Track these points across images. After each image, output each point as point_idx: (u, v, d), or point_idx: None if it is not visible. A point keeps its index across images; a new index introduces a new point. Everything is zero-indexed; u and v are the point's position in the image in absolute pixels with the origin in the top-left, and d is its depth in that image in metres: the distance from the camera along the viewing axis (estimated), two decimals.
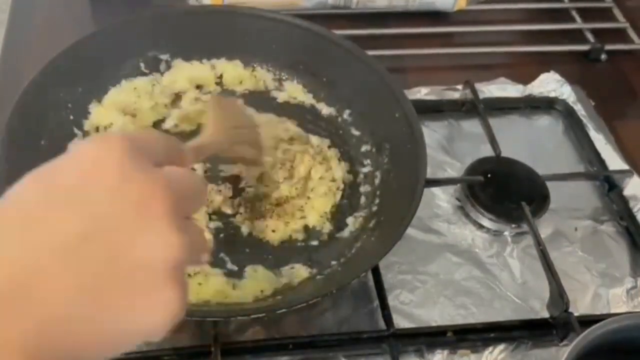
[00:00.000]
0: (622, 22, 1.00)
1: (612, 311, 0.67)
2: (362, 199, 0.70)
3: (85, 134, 0.71)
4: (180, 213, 0.37)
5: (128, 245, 0.35)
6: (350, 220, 0.68)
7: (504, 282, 0.69)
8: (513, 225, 0.72)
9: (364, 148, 0.74)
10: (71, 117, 0.71)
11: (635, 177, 0.77)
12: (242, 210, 0.67)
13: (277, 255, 0.65)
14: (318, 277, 0.63)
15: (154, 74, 0.77)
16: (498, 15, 1.00)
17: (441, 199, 0.75)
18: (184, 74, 0.77)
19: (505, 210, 0.72)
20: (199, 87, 0.78)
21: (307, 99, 0.78)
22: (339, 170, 0.71)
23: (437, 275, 0.68)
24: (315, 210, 0.67)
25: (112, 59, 0.74)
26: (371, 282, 0.65)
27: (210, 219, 0.66)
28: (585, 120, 0.83)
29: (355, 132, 0.75)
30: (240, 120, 0.66)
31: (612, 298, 0.68)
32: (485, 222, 0.72)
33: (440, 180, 0.75)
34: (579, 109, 0.84)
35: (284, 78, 0.79)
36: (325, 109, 0.77)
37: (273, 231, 0.66)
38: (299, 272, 0.64)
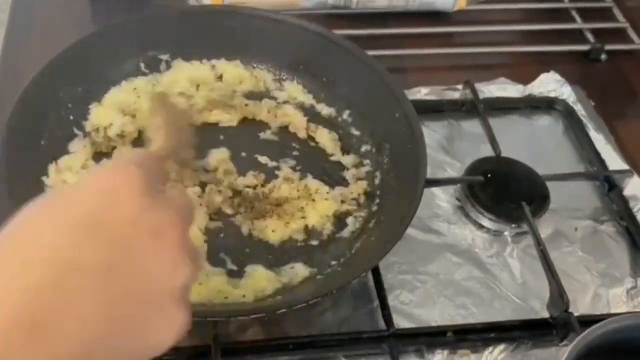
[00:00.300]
0: (622, 22, 1.00)
1: (612, 311, 0.67)
2: (362, 199, 0.70)
3: (86, 134, 0.71)
4: (188, 236, 0.40)
5: (146, 273, 0.37)
6: (350, 220, 0.68)
7: (504, 282, 0.69)
8: (513, 225, 0.72)
9: (364, 148, 0.74)
10: (71, 117, 0.71)
11: (635, 177, 0.77)
12: (242, 210, 0.67)
13: (277, 255, 0.65)
14: (318, 277, 0.63)
15: (154, 74, 0.77)
16: (498, 15, 1.00)
17: (441, 199, 0.75)
18: (184, 74, 0.77)
19: (505, 210, 0.72)
20: (198, 87, 0.77)
21: (307, 99, 0.78)
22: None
23: (437, 275, 0.68)
24: (317, 211, 0.67)
25: (112, 59, 0.74)
26: (371, 282, 0.65)
27: (210, 218, 0.66)
28: (585, 120, 0.83)
29: (355, 132, 0.75)
30: (181, 119, 0.61)
31: (612, 298, 0.68)
32: (485, 222, 0.72)
33: (440, 180, 0.75)
34: (579, 109, 0.84)
35: (284, 78, 0.79)
36: (325, 109, 0.77)
37: (273, 231, 0.66)
38: (299, 271, 0.63)
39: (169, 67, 0.77)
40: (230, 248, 0.65)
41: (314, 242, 0.66)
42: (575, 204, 0.76)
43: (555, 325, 0.64)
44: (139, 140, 0.71)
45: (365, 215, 0.68)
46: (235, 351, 0.60)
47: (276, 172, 0.71)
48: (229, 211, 0.67)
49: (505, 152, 0.76)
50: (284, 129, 0.75)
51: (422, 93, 0.84)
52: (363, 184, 0.70)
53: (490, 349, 0.63)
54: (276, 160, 0.72)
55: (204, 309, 0.59)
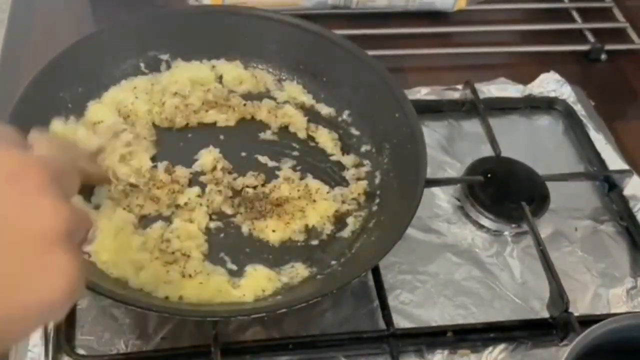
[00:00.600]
0: (622, 22, 1.00)
1: (612, 311, 0.67)
2: (362, 199, 0.70)
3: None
4: (58, 188, 0.38)
5: (10, 217, 0.36)
6: (350, 220, 0.68)
7: (504, 282, 0.69)
8: (513, 225, 0.72)
9: (364, 148, 0.74)
10: (71, 117, 0.71)
11: (635, 177, 0.77)
12: (242, 210, 0.67)
13: (277, 255, 0.65)
14: (318, 276, 0.63)
15: (154, 73, 0.77)
16: (498, 15, 1.01)
17: (441, 199, 0.75)
18: (184, 74, 0.77)
19: (505, 210, 0.72)
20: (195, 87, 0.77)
21: (307, 99, 0.78)
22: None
23: (437, 275, 0.69)
24: (317, 211, 0.67)
25: (112, 59, 0.74)
26: (371, 282, 0.65)
27: (210, 218, 0.66)
28: (585, 120, 0.83)
29: (355, 132, 0.75)
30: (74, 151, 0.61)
31: (612, 298, 0.68)
32: (485, 222, 0.72)
33: (440, 180, 0.75)
34: (579, 109, 0.84)
35: (283, 78, 0.79)
36: (325, 109, 0.77)
37: (273, 231, 0.66)
38: (299, 271, 0.63)
39: (169, 67, 0.77)
40: (230, 248, 0.65)
41: (314, 242, 0.66)
42: (575, 204, 0.76)
43: (555, 325, 0.64)
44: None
45: (365, 215, 0.68)
46: (235, 351, 0.60)
47: (276, 172, 0.71)
48: (229, 211, 0.67)
49: (505, 152, 0.76)
50: (284, 129, 0.75)
51: (422, 93, 0.84)
52: (363, 184, 0.70)
53: (490, 349, 0.63)
54: (276, 160, 0.72)
55: (204, 309, 0.59)
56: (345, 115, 0.76)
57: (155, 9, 0.91)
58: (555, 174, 0.76)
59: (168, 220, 0.65)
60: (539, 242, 0.68)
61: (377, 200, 0.69)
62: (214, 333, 0.59)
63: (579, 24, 1.00)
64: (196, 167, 0.70)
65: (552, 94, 0.86)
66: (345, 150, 0.74)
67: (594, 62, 0.95)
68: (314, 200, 0.68)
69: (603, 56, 0.95)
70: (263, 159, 0.72)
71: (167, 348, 0.60)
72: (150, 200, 0.66)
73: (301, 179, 0.70)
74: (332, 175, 0.72)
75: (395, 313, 0.63)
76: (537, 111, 0.86)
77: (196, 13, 0.83)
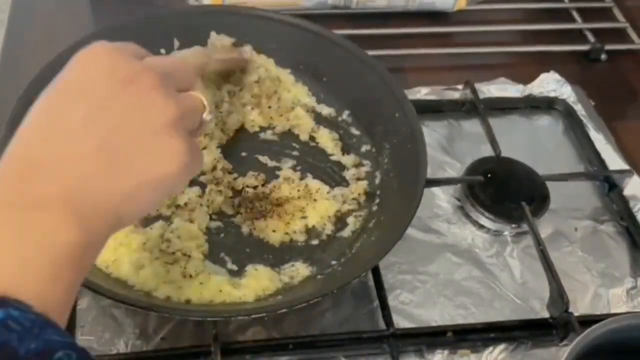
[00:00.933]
0: (622, 22, 1.00)
1: (612, 311, 0.67)
2: (363, 199, 0.70)
3: None
4: (168, 85, 0.45)
5: (127, 114, 0.42)
6: (350, 220, 0.68)
7: (504, 282, 0.69)
8: (513, 225, 0.72)
9: (364, 148, 0.74)
10: None
11: (635, 177, 0.77)
12: (242, 210, 0.67)
13: (277, 255, 0.65)
14: (319, 276, 0.63)
15: None
16: (498, 15, 1.00)
17: (441, 199, 0.75)
18: None
19: (505, 210, 0.72)
20: None
21: (310, 100, 0.77)
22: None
23: (437, 275, 0.69)
24: (317, 211, 0.67)
25: None
26: (371, 282, 0.65)
27: (210, 219, 0.66)
28: (585, 120, 0.83)
29: (355, 132, 0.75)
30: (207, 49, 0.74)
31: (612, 298, 0.68)
32: (485, 222, 0.72)
33: (440, 180, 0.75)
34: (579, 109, 0.84)
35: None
36: (325, 109, 0.77)
37: (274, 231, 0.66)
38: (300, 271, 0.63)
39: None
40: (230, 248, 0.65)
41: (314, 242, 0.66)
42: (575, 204, 0.76)
43: (555, 325, 0.64)
44: None
45: (365, 215, 0.68)
46: (235, 351, 0.60)
47: (276, 172, 0.71)
48: (229, 211, 0.67)
49: (505, 152, 0.76)
50: (285, 130, 0.75)
51: (422, 93, 0.84)
52: (363, 184, 0.70)
53: (490, 349, 0.63)
54: (276, 160, 0.72)
55: (204, 309, 0.59)
56: (345, 115, 0.76)
57: (155, 9, 0.91)
58: (555, 174, 0.76)
59: (168, 220, 0.65)
60: (539, 242, 0.68)
61: (377, 200, 0.69)
62: (214, 333, 0.59)
63: (579, 24, 1.00)
64: None
65: (552, 94, 0.86)
66: (345, 150, 0.74)
67: (594, 62, 0.95)
68: (315, 200, 0.68)
69: (603, 56, 0.95)
70: (263, 158, 0.72)
71: (167, 348, 0.60)
72: None
73: (301, 179, 0.70)
74: (332, 175, 0.72)
75: (395, 313, 0.63)
76: (537, 111, 0.86)
77: (196, 13, 0.83)
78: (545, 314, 0.66)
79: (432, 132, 0.80)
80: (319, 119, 0.76)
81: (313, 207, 0.68)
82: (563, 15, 1.02)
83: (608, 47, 0.95)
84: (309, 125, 0.75)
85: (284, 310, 0.57)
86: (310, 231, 0.67)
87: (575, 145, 0.83)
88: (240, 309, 0.59)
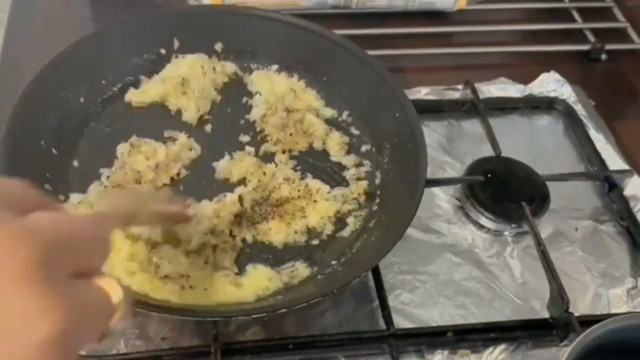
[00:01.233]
0: (622, 22, 1.00)
1: (612, 311, 0.67)
2: (363, 199, 0.70)
3: None
4: (57, 268, 0.28)
5: None
6: (350, 220, 0.68)
7: (504, 282, 0.69)
8: (513, 225, 0.72)
9: (364, 148, 0.74)
10: (72, 119, 0.71)
11: (635, 177, 0.77)
12: (244, 222, 0.66)
13: (277, 255, 0.65)
14: (319, 276, 0.63)
15: (154, 73, 0.77)
16: (498, 15, 1.00)
17: (441, 199, 0.75)
18: (185, 74, 0.76)
19: (505, 210, 0.72)
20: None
21: (319, 105, 0.77)
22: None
23: (437, 275, 0.68)
24: (317, 211, 0.67)
25: (112, 59, 0.74)
26: (371, 282, 0.65)
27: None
28: (585, 120, 0.83)
29: (355, 132, 0.75)
30: (140, 191, 0.61)
31: (612, 298, 0.68)
32: (485, 222, 0.72)
33: (440, 180, 0.75)
34: (579, 109, 0.84)
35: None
36: (325, 109, 0.77)
37: (276, 232, 0.65)
38: (300, 271, 0.63)
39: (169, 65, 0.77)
40: None
41: (315, 242, 0.66)
42: (575, 204, 0.76)
43: (555, 326, 0.64)
44: None
45: (365, 215, 0.68)
46: (235, 351, 0.60)
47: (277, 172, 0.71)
48: (235, 229, 0.66)
49: (505, 152, 0.76)
50: (306, 147, 0.74)
51: (422, 93, 0.84)
52: (363, 184, 0.70)
53: (491, 349, 0.63)
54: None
55: (204, 309, 0.59)
56: (345, 115, 0.76)
57: (155, 8, 0.91)
58: (555, 174, 0.76)
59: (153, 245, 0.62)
60: (539, 242, 0.68)
61: (378, 200, 0.69)
62: (214, 333, 0.59)
63: (579, 23, 1.00)
64: None
65: (552, 94, 0.86)
66: (345, 150, 0.74)
67: (594, 62, 0.95)
68: (315, 201, 0.68)
69: (603, 56, 0.95)
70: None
71: (167, 348, 0.60)
72: None
73: (301, 179, 0.70)
74: (333, 175, 0.72)
75: (395, 313, 0.63)
76: (537, 111, 0.86)
77: (196, 13, 0.83)
78: (546, 314, 0.66)
79: (432, 132, 0.80)
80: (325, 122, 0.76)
81: (313, 207, 0.67)
82: (563, 15, 1.02)
83: (608, 47, 0.95)
84: (323, 129, 0.74)
85: (284, 310, 0.57)
86: (310, 231, 0.67)
87: (575, 145, 0.83)
88: (240, 309, 0.59)
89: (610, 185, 0.78)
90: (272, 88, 0.76)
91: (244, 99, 0.77)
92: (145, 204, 0.52)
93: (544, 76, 0.87)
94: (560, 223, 0.74)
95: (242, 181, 0.69)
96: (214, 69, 0.77)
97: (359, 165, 0.73)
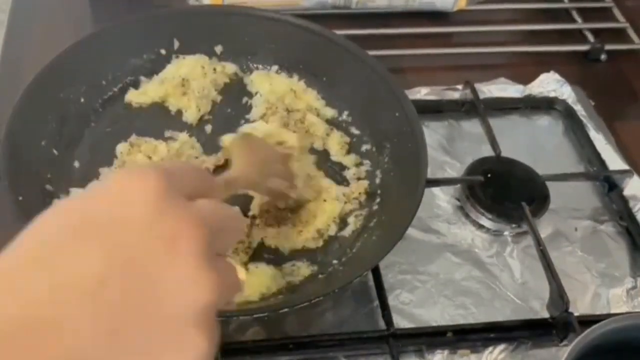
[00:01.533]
0: (622, 22, 1.00)
1: (612, 311, 0.67)
2: (363, 198, 0.70)
3: None
4: (213, 250, 0.35)
5: (153, 287, 0.33)
6: (351, 219, 0.68)
7: (504, 282, 0.69)
8: (513, 225, 0.72)
9: (364, 148, 0.74)
10: (72, 119, 0.71)
11: (635, 177, 0.77)
12: (257, 222, 0.66)
13: (278, 254, 0.65)
14: (320, 276, 0.63)
15: (154, 74, 0.77)
16: (498, 15, 1.00)
17: (441, 199, 0.75)
18: (185, 74, 0.76)
19: (505, 210, 0.72)
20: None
21: (320, 104, 0.77)
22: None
23: (437, 275, 0.69)
24: (325, 212, 0.67)
25: (112, 60, 0.75)
26: (371, 282, 0.65)
27: None
28: (585, 120, 0.83)
29: (355, 132, 0.75)
30: (267, 154, 0.64)
31: (612, 298, 0.68)
32: (485, 222, 0.72)
33: (440, 180, 0.75)
34: (579, 109, 0.84)
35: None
36: (325, 109, 0.77)
37: (286, 239, 0.65)
38: (301, 270, 0.63)
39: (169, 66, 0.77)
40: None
41: (319, 244, 0.66)
42: (575, 204, 0.76)
43: (555, 325, 0.64)
44: None
45: (366, 215, 0.68)
46: (235, 351, 0.60)
47: None
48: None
49: (505, 152, 0.76)
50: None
51: (422, 93, 0.84)
52: (364, 184, 0.70)
53: (490, 349, 0.63)
54: None
55: None
56: (345, 115, 0.76)
57: (155, 9, 0.91)
58: (555, 174, 0.76)
59: None
60: (539, 242, 0.68)
61: (378, 200, 0.69)
62: None
63: (579, 24, 1.00)
64: None
65: (552, 94, 0.86)
66: (346, 150, 0.74)
67: (594, 62, 0.95)
68: (324, 200, 0.68)
69: (603, 56, 0.95)
70: None
71: None
72: None
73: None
74: (334, 175, 0.72)
75: (395, 313, 0.63)
76: (537, 111, 0.86)
77: (196, 13, 0.83)
78: (545, 314, 0.66)
79: (432, 132, 0.80)
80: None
81: (322, 208, 0.67)
82: (563, 15, 1.02)
83: (608, 47, 0.95)
84: (323, 130, 0.74)
85: (286, 309, 0.57)
86: (319, 234, 0.66)
87: (575, 145, 0.83)
88: (240, 309, 0.59)
89: (610, 185, 0.78)
90: (272, 88, 0.76)
91: (244, 99, 0.77)
92: (266, 174, 0.61)
93: (543, 76, 0.87)
94: (560, 223, 0.74)
95: None
96: (214, 69, 0.77)
97: (359, 164, 0.73)
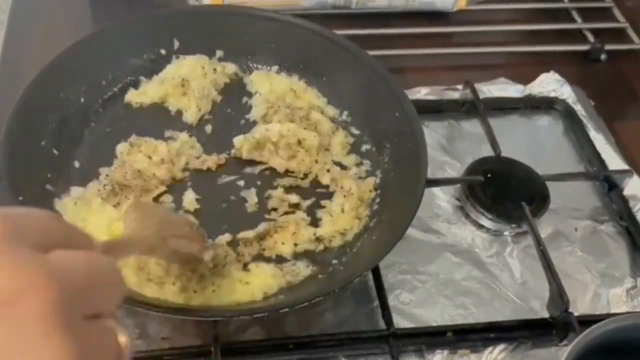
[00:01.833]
0: (622, 22, 1.00)
1: (612, 311, 0.67)
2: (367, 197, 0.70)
3: None
4: (73, 311, 0.29)
5: None
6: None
7: (504, 282, 0.69)
8: (513, 225, 0.72)
9: (364, 148, 0.74)
10: (72, 119, 0.71)
11: (635, 177, 0.77)
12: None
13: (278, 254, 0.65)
14: (320, 276, 0.63)
15: (154, 74, 0.77)
16: (498, 15, 1.01)
17: (441, 199, 0.75)
18: (185, 74, 0.76)
19: (505, 210, 0.72)
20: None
21: (321, 102, 0.77)
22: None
23: (437, 275, 0.69)
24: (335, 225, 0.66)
25: (112, 60, 0.75)
26: (371, 282, 0.65)
27: None
28: (585, 120, 0.83)
29: (356, 132, 0.75)
30: (167, 218, 0.59)
31: (612, 298, 0.68)
32: (485, 222, 0.72)
33: (440, 180, 0.75)
34: (579, 109, 0.84)
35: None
36: (325, 109, 0.77)
37: (282, 244, 0.64)
38: (301, 270, 0.63)
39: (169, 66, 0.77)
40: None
41: (321, 247, 0.66)
42: (575, 204, 0.76)
43: (555, 325, 0.64)
44: None
45: (366, 215, 0.68)
46: (235, 351, 0.60)
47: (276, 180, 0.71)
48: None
49: (505, 152, 0.76)
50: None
51: (422, 93, 0.84)
52: (371, 181, 0.70)
53: (490, 349, 0.63)
54: None
55: (204, 308, 0.59)
56: (345, 115, 0.76)
57: (155, 9, 0.91)
58: (555, 174, 0.76)
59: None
60: (539, 242, 0.68)
61: (378, 200, 0.69)
62: (214, 333, 0.59)
63: (579, 24, 1.00)
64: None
65: (552, 94, 0.86)
66: (347, 150, 0.74)
67: (594, 62, 0.95)
68: (331, 215, 0.67)
69: (603, 56, 0.95)
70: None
71: (167, 348, 0.60)
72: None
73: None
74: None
75: (395, 313, 0.63)
76: (537, 111, 0.86)
77: (196, 13, 0.83)
78: (545, 314, 0.66)
79: (432, 132, 0.81)
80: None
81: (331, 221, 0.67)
82: (563, 15, 1.02)
83: (608, 47, 0.95)
84: (329, 128, 0.74)
85: (286, 309, 0.57)
86: (321, 238, 0.66)
87: (575, 145, 0.83)
88: (240, 309, 0.59)
89: (609, 185, 0.78)
90: (272, 88, 0.76)
91: (244, 99, 0.77)
92: (166, 237, 0.53)
93: (543, 76, 0.87)
94: (560, 223, 0.74)
95: None
96: (214, 69, 0.77)
97: (359, 164, 0.73)
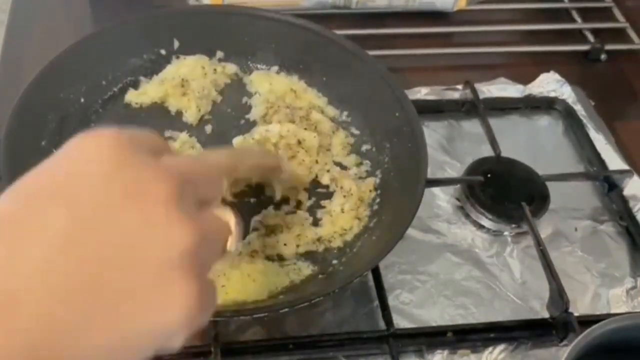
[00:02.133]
0: (622, 22, 1.00)
1: (612, 311, 0.67)
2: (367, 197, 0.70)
3: None
4: (188, 199, 0.34)
5: (124, 237, 0.32)
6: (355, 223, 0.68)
7: (504, 282, 0.69)
8: (513, 225, 0.72)
9: (364, 148, 0.74)
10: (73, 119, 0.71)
11: (635, 177, 0.77)
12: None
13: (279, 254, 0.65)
14: (320, 276, 0.63)
15: (154, 74, 0.77)
16: (498, 15, 1.01)
17: (441, 199, 0.75)
18: (185, 74, 0.76)
19: (505, 210, 0.72)
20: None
21: (322, 102, 0.77)
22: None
23: (437, 275, 0.69)
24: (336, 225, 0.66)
25: (112, 60, 0.74)
26: (371, 282, 0.65)
27: None
28: (585, 120, 0.83)
29: (356, 132, 0.75)
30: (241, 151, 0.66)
31: (612, 298, 0.68)
32: (485, 222, 0.72)
33: (440, 180, 0.75)
34: (579, 109, 0.84)
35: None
36: (325, 109, 0.77)
37: (285, 245, 0.64)
38: (301, 270, 0.63)
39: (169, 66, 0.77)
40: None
41: (321, 248, 0.66)
42: (575, 204, 0.76)
43: (555, 325, 0.64)
44: None
45: (366, 215, 0.68)
46: (235, 351, 0.60)
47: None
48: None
49: (505, 152, 0.76)
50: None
51: (422, 93, 0.84)
52: (371, 182, 0.70)
53: (490, 349, 0.63)
54: None
55: None
56: (345, 115, 0.76)
57: (155, 9, 0.91)
58: (555, 174, 0.76)
59: None
60: (539, 242, 0.68)
61: (378, 200, 0.69)
62: (214, 333, 0.59)
63: (579, 24, 1.00)
64: None
65: (552, 94, 0.86)
66: (348, 150, 0.74)
67: (594, 62, 0.95)
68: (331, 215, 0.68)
69: (603, 56, 0.95)
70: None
71: None
72: None
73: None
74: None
75: (395, 313, 0.63)
76: (537, 111, 0.86)
77: (196, 13, 0.83)
78: (545, 314, 0.66)
79: (432, 132, 0.81)
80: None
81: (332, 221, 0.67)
82: (563, 15, 1.02)
83: (608, 47, 0.95)
84: (329, 127, 0.74)
85: (286, 309, 0.56)
86: (321, 238, 0.66)
87: (575, 145, 0.83)
88: (240, 309, 0.59)
89: (609, 185, 0.78)
90: (272, 88, 0.76)
91: (244, 99, 0.77)
92: (244, 159, 0.57)
93: (543, 76, 0.87)
94: (560, 223, 0.74)
95: None
96: (214, 69, 0.77)
97: (359, 164, 0.73)
